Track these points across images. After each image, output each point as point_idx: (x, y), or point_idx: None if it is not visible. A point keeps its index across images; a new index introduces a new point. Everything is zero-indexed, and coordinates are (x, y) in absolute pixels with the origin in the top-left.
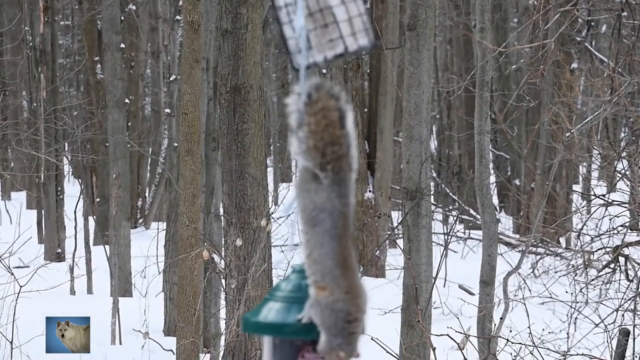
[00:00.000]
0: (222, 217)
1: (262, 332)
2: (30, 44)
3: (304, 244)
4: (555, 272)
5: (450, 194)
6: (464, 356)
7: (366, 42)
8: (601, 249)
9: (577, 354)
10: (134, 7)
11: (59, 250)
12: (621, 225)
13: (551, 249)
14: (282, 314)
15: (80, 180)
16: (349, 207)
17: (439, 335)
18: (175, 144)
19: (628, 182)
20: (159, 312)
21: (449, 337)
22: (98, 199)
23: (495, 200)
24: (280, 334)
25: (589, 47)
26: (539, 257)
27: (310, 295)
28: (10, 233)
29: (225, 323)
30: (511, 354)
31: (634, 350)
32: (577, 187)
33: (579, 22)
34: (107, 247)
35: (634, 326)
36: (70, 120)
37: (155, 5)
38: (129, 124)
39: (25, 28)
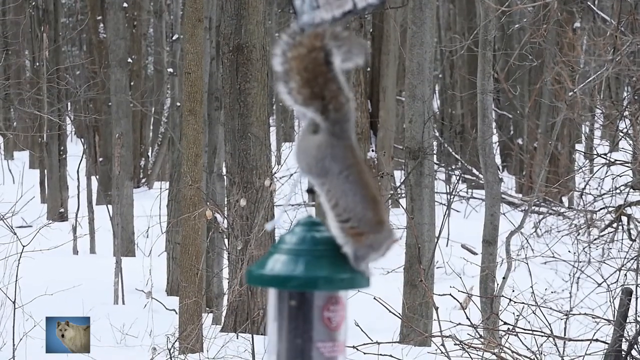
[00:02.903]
0: (224, 177)
1: (267, 284)
2: (33, 3)
3: (325, 197)
4: (558, 232)
5: (453, 153)
6: (466, 316)
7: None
8: (604, 208)
9: (580, 314)
10: None
11: (62, 210)
12: (624, 185)
13: (554, 208)
14: (287, 266)
15: (82, 140)
16: (351, 140)
17: (441, 295)
18: (178, 104)
19: (630, 141)
20: (161, 271)
21: (452, 296)
22: (101, 159)
23: (497, 159)
24: (286, 287)
25: (592, 6)
26: (541, 216)
27: (349, 249)
28: (13, 193)
29: (228, 283)
30: (513, 313)
31: (636, 310)
32: (579, 147)
33: None
34: (109, 206)
35: (637, 285)
36: (72, 79)
37: None
38: (132, 83)
39: None
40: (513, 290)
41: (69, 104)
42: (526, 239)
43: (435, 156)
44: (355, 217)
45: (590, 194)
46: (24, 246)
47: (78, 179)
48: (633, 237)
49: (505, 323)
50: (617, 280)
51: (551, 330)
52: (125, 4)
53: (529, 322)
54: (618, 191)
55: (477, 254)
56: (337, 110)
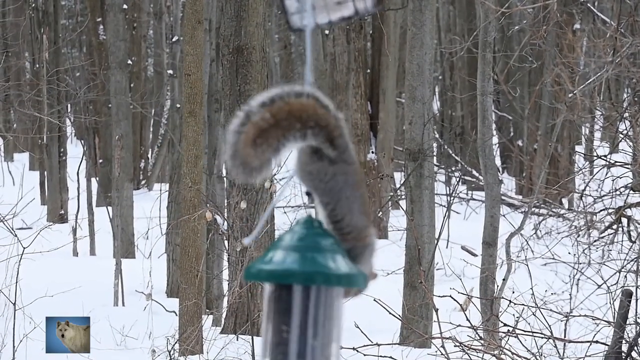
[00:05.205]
0: (224, 178)
1: (265, 279)
2: (33, 4)
3: (326, 212)
4: (558, 233)
5: (453, 155)
6: (466, 317)
7: (370, 5)
8: (604, 210)
9: (580, 315)
10: None
11: (62, 212)
12: (623, 187)
13: (554, 210)
14: (285, 262)
15: (82, 142)
16: (356, 162)
17: (441, 297)
18: (178, 105)
19: (630, 143)
20: (161, 273)
21: (452, 298)
22: (101, 160)
23: (497, 161)
24: (283, 281)
25: (592, 7)
26: (541, 218)
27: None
28: (13, 194)
29: (228, 284)
30: (513, 315)
31: (636, 312)
32: (579, 148)
33: None
34: (109, 208)
35: (637, 287)
36: (72, 81)
37: None
38: (132, 85)
39: None
40: (513, 292)
41: (68, 105)
42: (526, 240)
43: (435, 158)
44: (355, 230)
45: (590, 195)
46: (24, 248)
47: (78, 180)
48: (633, 239)
49: (505, 325)
50: (617, 282)
51: (551, 332)
52: (125, 6)
53: (529, 323)
54: (618, 193)
55: (477, 255)
56: (341, 137)
